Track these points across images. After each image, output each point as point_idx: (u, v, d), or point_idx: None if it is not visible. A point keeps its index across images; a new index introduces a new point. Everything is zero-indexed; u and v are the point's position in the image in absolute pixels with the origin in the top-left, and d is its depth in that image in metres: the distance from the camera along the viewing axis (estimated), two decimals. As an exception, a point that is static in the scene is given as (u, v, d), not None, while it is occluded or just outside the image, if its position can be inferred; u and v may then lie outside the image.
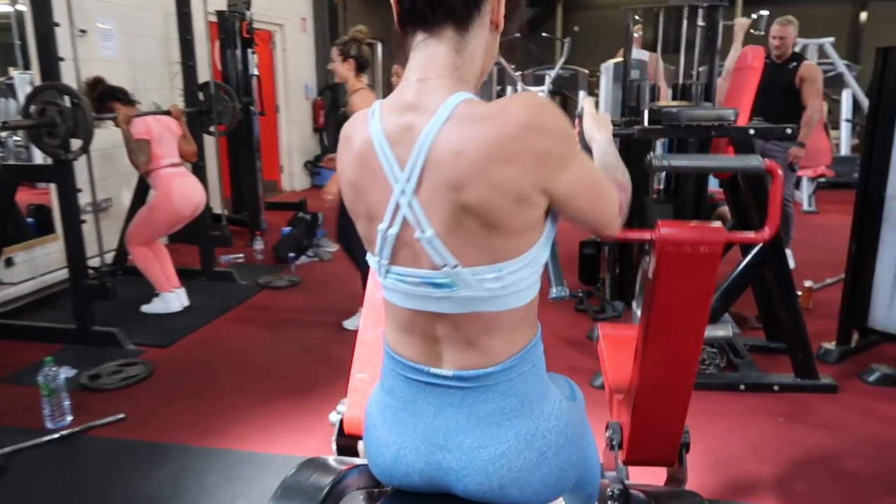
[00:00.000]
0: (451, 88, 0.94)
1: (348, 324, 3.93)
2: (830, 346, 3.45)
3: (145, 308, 4.18)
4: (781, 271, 3.03)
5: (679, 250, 1.39)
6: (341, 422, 1.73)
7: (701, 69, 5.83)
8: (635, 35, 6.18)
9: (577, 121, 1.41)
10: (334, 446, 1.74)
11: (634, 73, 4.81)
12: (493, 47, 1.02)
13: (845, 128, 8.23)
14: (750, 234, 1.54)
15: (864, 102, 7.58)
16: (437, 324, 1.01)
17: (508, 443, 1.01)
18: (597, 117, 1.37)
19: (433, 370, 1.03)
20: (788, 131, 2.83)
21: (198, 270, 4.82)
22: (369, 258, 1.06)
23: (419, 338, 1.04)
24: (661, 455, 1.62)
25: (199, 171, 4.68)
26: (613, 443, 1.63)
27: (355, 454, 1.84)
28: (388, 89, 11.62)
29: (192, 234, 4.77)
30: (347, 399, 1.74)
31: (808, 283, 4.15)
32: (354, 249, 3.77)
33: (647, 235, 1.43)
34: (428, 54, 0.97)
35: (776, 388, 3.07)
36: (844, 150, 8.24)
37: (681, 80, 3.89)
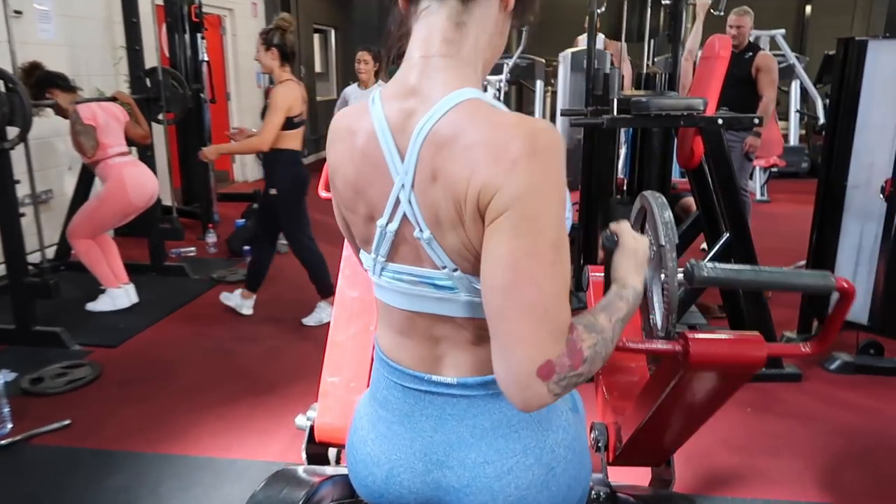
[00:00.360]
0: (458, 78, 0.86)
1: (308, 320, 3.80)
2: (792, 334, 3.49)
3: (91, 306, 3.97)
4: (748, 261, 3.03)
5: (713, 370, 1.16)
6: (311, 428, 1.63)
7: (657, 59, 5.85)
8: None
9: (600, 248, 1.10)
10: (304, 455, 1.64)
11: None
12: (503, 29, 0.93)
13: (794, 118, 8.42)
14: (796, 347, 1.22)
15: (814, 93, 7.76)
16: (437, 325, 0.93)
17: (516, 457, 0.92)
18: (638, 251, 1.00)
19: (435, 378, 0.94)
20: (756, 121, 2.82)
21: (147, 265, 4.61)
22: (363, 257, 0.98)
23: (418, 340, 0.95)
24: (651, 458, 1.56)
25: (147, 161, 4.47)
26: (599, 444, 1.56)
27: (325, 462, 1.74)
28: (345, 76, 11.43)
29: (141, 227, 4.55)
30: (318, 404, 1.64)
31: (767, 272, 4.20)
32: (299, 241, 3.71)
33: (670, 347, 1.15)
34: (429, 24, 0.89)
35: (743, 378, 3.07)
36: (793, 140, 8.43)
37: (645, 69, 3.86)
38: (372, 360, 1.64)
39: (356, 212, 0.94)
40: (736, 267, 1.13)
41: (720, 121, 2.85)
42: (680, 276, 1.21)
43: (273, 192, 3.62)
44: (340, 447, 1.70)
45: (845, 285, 1.12)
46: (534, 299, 0.76)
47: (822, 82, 8.63)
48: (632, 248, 1.01)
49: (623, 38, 3.89)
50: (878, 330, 3.24)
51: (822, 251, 3.35)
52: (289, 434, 2.66)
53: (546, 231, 0.77)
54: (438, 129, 0.82)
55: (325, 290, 3.77)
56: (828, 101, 7.87)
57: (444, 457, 0.94)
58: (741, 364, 1.14)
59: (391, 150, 0.86)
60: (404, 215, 0.87)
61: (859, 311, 3.27)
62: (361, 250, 0.98)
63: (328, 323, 1.79)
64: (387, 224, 0.89)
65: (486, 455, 0.93)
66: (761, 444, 2.62)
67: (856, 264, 3.24)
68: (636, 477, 1.80)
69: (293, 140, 3.57)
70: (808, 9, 12.75)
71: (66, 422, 2.72)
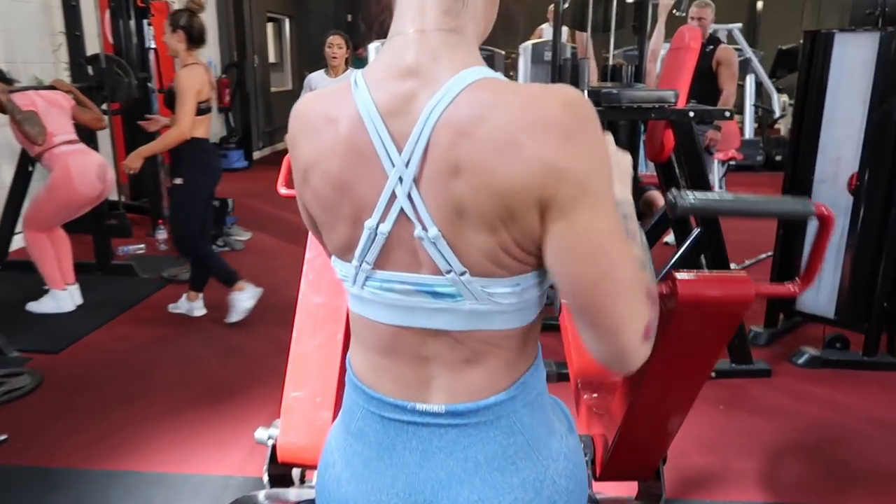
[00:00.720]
0: (464, 55, 0.76)
1: (232, 317, 3.61)
2: (759, 329, 3.48)
3: (32, 306, 3.73)
4: (719, 256, 2.99)
5: (702, 310, 1.14)
6: (274, 448, 1.49)
7: (616, 52, 5.81)
8: (551, 16, 6.08)
9: None
10: (265, 477, 1.50)
11: (549, 56, 4.69)
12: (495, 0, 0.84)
13: (749, 112, 8.53)
14: (783, 287, 1.22)
15: (769, 87, 7.87)
16: (428, 341, 0.81)
17: (514, 493, 0.82)
18: (620, 162, 0.95)
19: (419, 406, 0.82)
20: (727, 114, 2.78)
21: (92, 264, 4.37)
22: (339, 266, 0.84)
23: (403, 361, 0.83)
24: (640, 471, 1.49)
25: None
26: (586, 458, 1.47)
27: (289, 483, 1.61)
28: (300, 66, 11.15)
29: (85, 224, 4.29)
30: (281, 421, 1.51)
31: (731, 266, 4.19)
32: (191, 241, 3.52)
33: (658, 290, 1.13)
34: None
35: (713, 374, 3.04)
36: (749, 133, 8.54)
37: (611, 61, 3.79)
38: (340, 373, 1.52)
39: (338, 214, 0.80)
40: (718, 196, 1.19)
41: (692, 114, 2.79)
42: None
43: (178, 181, 3.42)
44: (305, 467, 1.57)
45: (825, 212, 1.15)
46: (628, 276, 0.74)
47: (775, 76, 8.78)
48: (614, 161, 0.94)
49: (589, 30, 3.82)
50: (843, 324, 3.25)
51: (789, 245, 3.34)
52: (248, 444, 2.50)
53: (612, 202, 0.74)
54: (453, 115, 0.71)
55: (231, 281, 3.58)
56: (783, 95, 8.04)
57: (431, 496, 0.82)
58: (730, 302, 1.14)
59: (384, 138, 0.74)
60: (400, 213, 0.75)
61: (825, 304, 3.27)
62: (336, 258, 0.85)
63: (292, 327, 1.64)
64: (378, 225, 0.77)
65: (481, 492, 0.81)
66: (735, 444, 2.58)
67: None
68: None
69: (200, 127, 3.39)
70: (760, 4, 12.98)
71: (3, 437, 2.52)
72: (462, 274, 0.75)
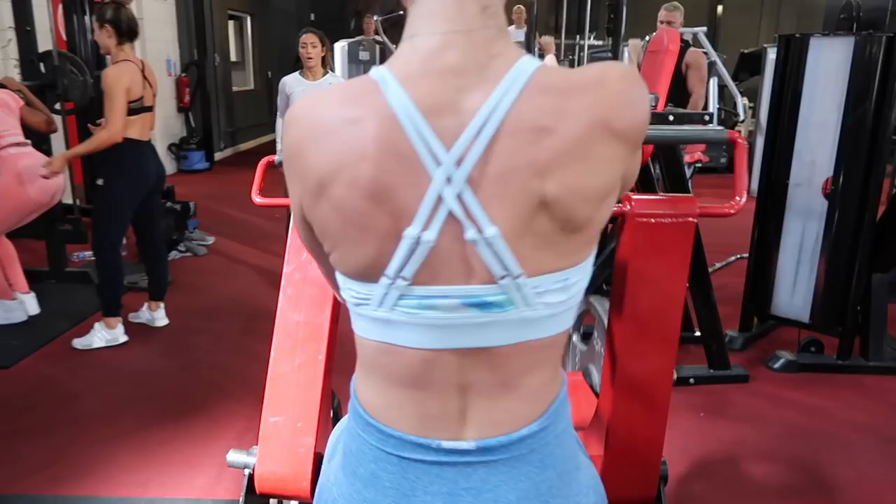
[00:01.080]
0: (511, 50, 0.72)
1: (78, 342, 3.32)
2: (734, 333, 3.47)
3: (-21, 319, 3.52)
4: (696, 261, 2.94)
5: (652, 224, 1.34)
6: (251, 478, 1.38)
7: (583, 54, 5.81)
8: (521, 15, 6.05)
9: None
10: (242, 510, 1.39)
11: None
12: None
13: (714, 114, 8.63)
14: (722, 208, 1.45)
15: (734, 90, 7.96)
16: (466, 364, 0.72)
17: None
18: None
19: (446, 444, 0.73)
20: (706, 118, 2.74)
21: (45, 271, 4.16)
22: (356, 288, 0.73)
23: (431, 392, 0.73)
24: (639, 492, 1.41)
25: (43, 154, 3.98)
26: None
27: (267, 513, 1.50)
28: (262, 65, 10.92)
29: (38, 229, 4.08)
30: (259, 448, 1.40)
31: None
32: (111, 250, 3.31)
33: (618, 208, 1.39)
34: None
35: (692, 381, 3.01)
36: (712, 135, 8.64)
37: (586, 63, 3.75)
38: (323, 396, 1.41)
39: (367, 227, 0.69)
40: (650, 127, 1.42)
41: (671, 117, 2.74)
42: None
43: (99, 182, 3.22)
44: (285, 498, 1.46)
45: (736, 137, 1.50)
46: None
47: (737, 79, 8.89)
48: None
49: (563, 33, 3.77)
50: (818, 327, 3.26)
51: (765, 248, 3.34)
52: (216, 463, 2.38)
53: None
54: (524, 109, 0.67)
55: (110, 310, 3.34)
56: (743, 98, 8.14)
57: None
58: (676, 215, 1.34)
59: (428, 137, 0.67)
60: (448, 217, 0.67)
61: (800, 308, 3.27)
62: (352, 279, 0.73)
63: (258, 336, 1.53)
64: (421, 232, 0.68)
65: None
66: (718, 453, 2.54)
67: (797, 262, 3.24)
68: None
69: (132, 128, 3.19)
70: (720, 8, 13.19)
71: (-52, 462, 2.35)
72: (518, 276, 0.68)
